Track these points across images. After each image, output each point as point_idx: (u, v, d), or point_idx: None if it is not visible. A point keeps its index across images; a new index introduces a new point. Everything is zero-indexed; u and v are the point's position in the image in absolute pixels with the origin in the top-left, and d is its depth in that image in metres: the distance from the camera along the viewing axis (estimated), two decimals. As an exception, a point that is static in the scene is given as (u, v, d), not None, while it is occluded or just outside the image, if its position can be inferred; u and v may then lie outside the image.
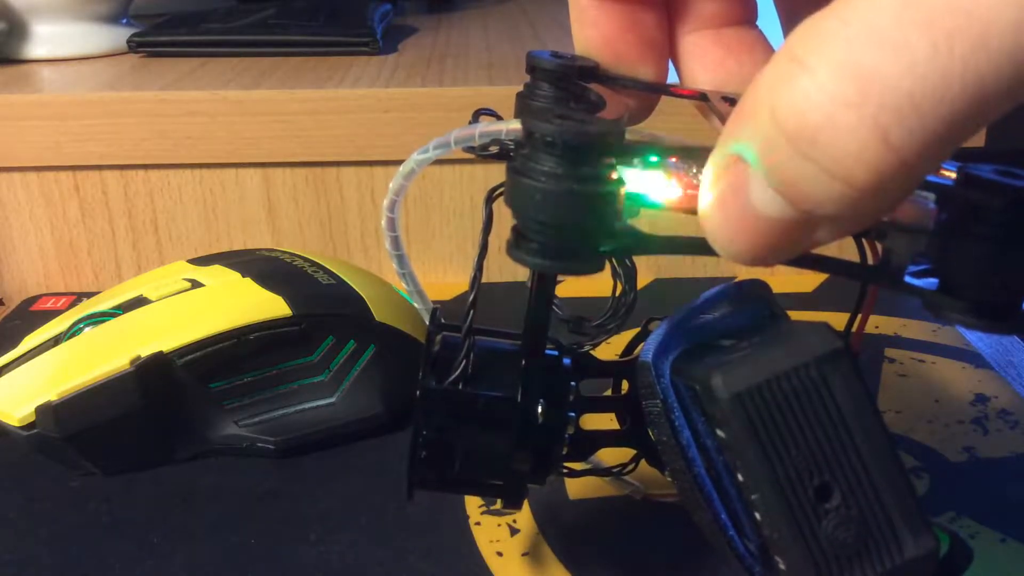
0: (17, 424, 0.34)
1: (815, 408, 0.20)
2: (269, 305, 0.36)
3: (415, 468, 0.25)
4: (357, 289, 0.38)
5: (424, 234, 0.52)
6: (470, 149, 0.23)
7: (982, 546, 0.31)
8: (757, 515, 0.21)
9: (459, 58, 0.57)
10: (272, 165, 0.50)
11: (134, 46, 0.57)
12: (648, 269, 0.52)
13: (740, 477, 0.21)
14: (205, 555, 0.31)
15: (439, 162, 0.51)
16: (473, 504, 0.33)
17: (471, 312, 0.25)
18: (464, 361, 0.25)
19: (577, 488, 0.34)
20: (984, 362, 0.42)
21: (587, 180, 0.19)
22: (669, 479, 0.24)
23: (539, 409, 0.25)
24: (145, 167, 0.50)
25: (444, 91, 0.48)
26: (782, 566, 0.21)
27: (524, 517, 0.32)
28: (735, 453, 0.21)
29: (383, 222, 0.26)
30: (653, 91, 0.24)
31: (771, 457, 0.20)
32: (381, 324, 0.37)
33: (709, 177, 0.18)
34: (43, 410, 0.33)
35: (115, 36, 0.59)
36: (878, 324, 0.46)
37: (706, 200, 0.18)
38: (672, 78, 0.24)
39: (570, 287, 0.32)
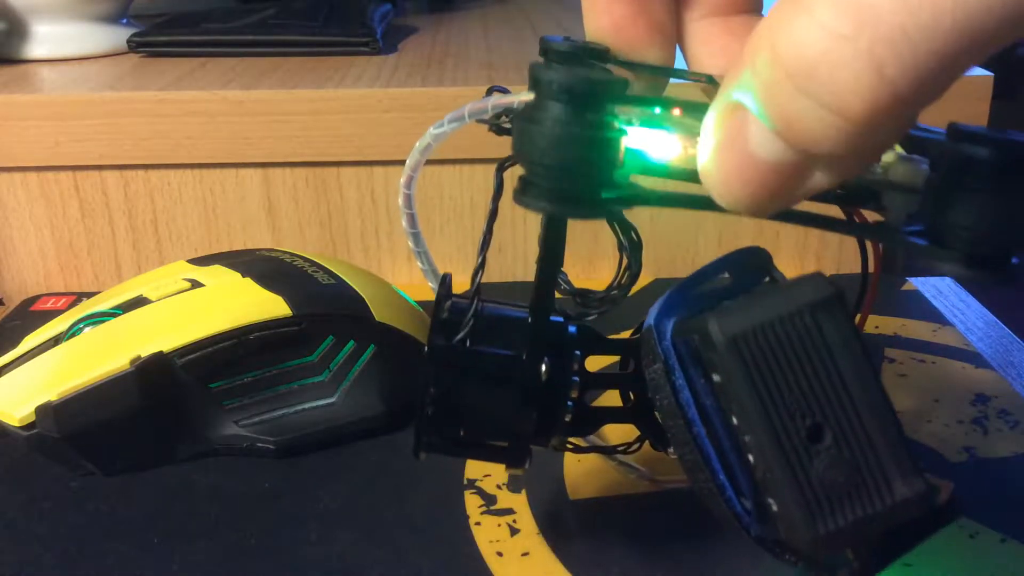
0: (17, 424, 0.34)
1: (809, 353, 0.21)
2: (269, 305, 0.36)
3: (422, 427, 0.25)
4: (357, 289, 0.38)
5: (424, 233, 0.51)
6: (483, 121, 0.24)
7: (982, 546, 0.31)
8: (750, 457, 0.21)
9: (459, 58, 0.57)
10: (272, 165, 0.50)
11: (134, 46, 0.57)
12: (648, 270, 0.52)
13: (735, 420, 0.21)
14: (205, 555, 0.31)
15: (439, 162, 0.51)
16: (473, 504, 0.33)
17: (479, 272, 0.25)
18: (472, 319, 0.25)
19: (577, 488, 0.34)
20: (984, 362, 0.42)
21: (591, 126, 0.19)
22: (673, 456, 0.24)
23: (543, 367, 0.25)
24: (145, 167, 0.50)
25: (444, 91, 0.48)
26: (774, 507, 0.21)
27: (524, 517, 0.32)
28: (730, 396, 0.21)
29: (400, 199, 0.27)
30: (662, 75, 0.24)
31: (764, 399, 0.20)
32: (381, 324, 0.37)
33: (709, 125, 0.18)
34: (43, 410, 0.33)
35: (115, 36, 0.59)
36: (878, 324, 0.46)
37: (706, 148, 0.18)
38: (679, 64, 0.25)
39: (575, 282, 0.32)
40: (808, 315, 0.21)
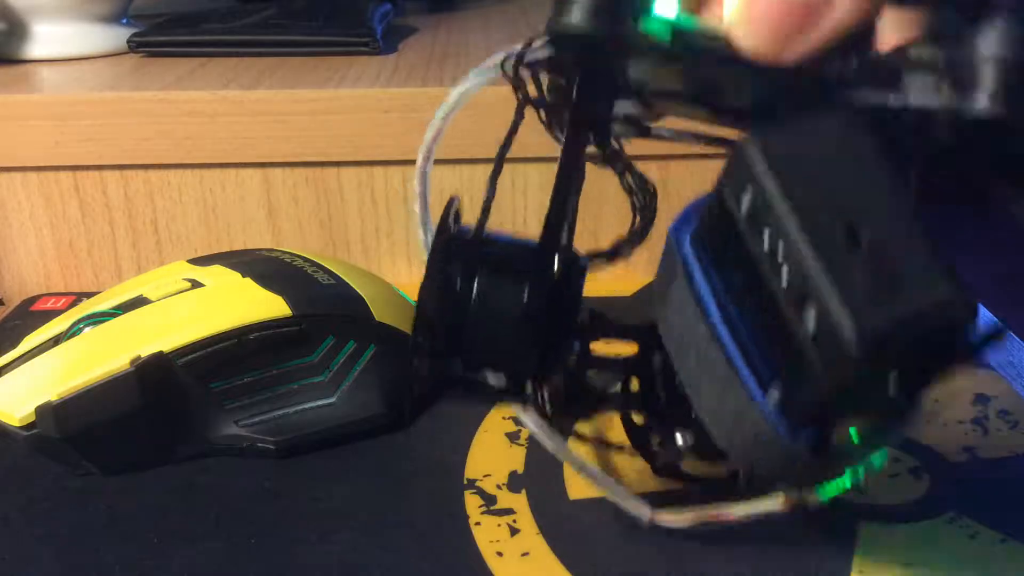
0: (17, 424, 0.34)
1: (842, 165, 0.21)
2: (269, 305, 0.36)
3: (419, 336, 0.25)
4: (357, 289, 0.38)
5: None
6: (507, 73, 0.25)
7: (982, 546, 0.31)
8: (784, 271, 0.21)
9: (459, 58, 0.57)
10: (272, 165, 0.50)
11: (134, 46, 0.57)
12: (648, 269, 0.52)
13: (766, 241, 0.21)
14: (205, 555, 0.31)
15: (439, 162, 0.51)
16: (473, 504, 0.33)
17: (496, 174, 0.25)
18: (483, 217, 0.25)
19: (577, 488, 0.34)
20: (984, 362, 0.42)
21: None
22: (682, 442, 0.24)
23: (555, 263, 0.25)
24: (145, 167, 0.50)
25: (444, 91, 0.48)
26: (811, 320, 0.20)
27: (524, 517, 0.32)
28: (762, 212, 0.21)
29: (416, 179, 0.27)
30: None
31: (798, 201, 0.20)
32: (381, 324, 0.37)
33: None
34: (43, 410, 0.33)
35: (115, 36, 0.59)
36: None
37: None
38: None
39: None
40: (840, 125, 0.21)
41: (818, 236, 0.20)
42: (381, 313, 0.38)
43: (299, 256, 0.40)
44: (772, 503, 0.27)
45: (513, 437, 0.37)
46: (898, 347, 0.20)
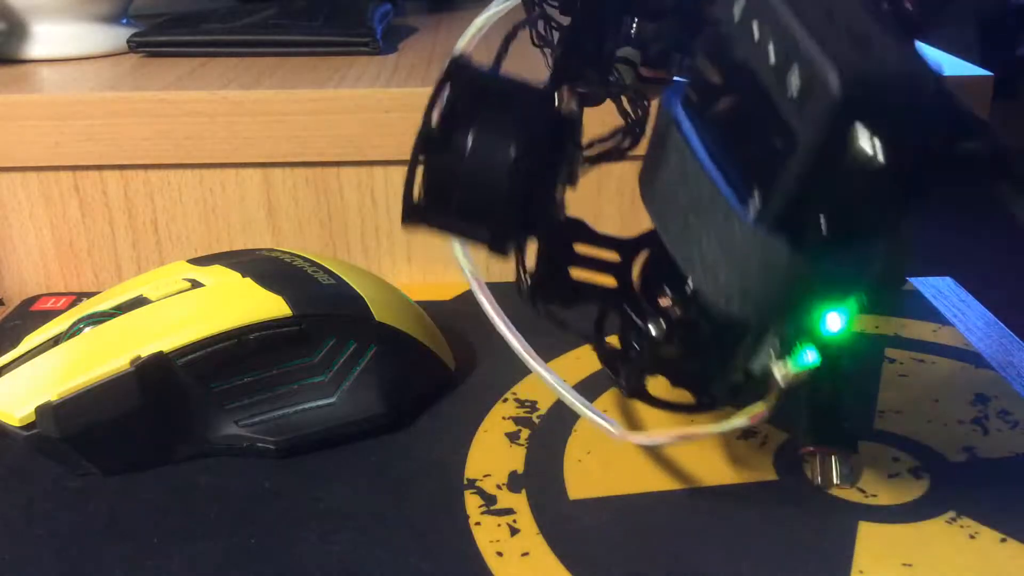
0: (17, 424, 0.34)
1: None
2: (269, 305, 0.36)
3: (418, 153, 0.26)
4: (357, 289, 0.38)
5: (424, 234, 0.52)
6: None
7: (982, 546, 0.31)
8: (772, 50, 0.22)
9: (459, 58, 0.57)
10: (272, 165, 0.50)
11: (134, 46, 0.57)
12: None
13: (756, 29, 0.22)
14: (205, 555, 0.31)
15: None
16: (473, 504, 0.33)
17: (510, 37, 0.27)
18: (500, 57, 0.27)
19: (577, 488, 0.34)
20: (984, 362, 0.42)
21: None
22: (653, 329, 0.26)
23: (557, 98, 0.26)
24: (145, 167, 0.50)
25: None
26: (795, 80, 0.21)
27: (524, 517, 0.32)
28: (755, 3, 0.22)
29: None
30: None
31: None
32: (381, 324, 0.37)
33: None
34: (43, 410, 0.33)
35: (115, 36, 0.59)
36: (878, 324, 0.46)
37: None
38: None
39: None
40: None
41: (803, 12, 0.22)
42: (381, 313, 0.38)
43: (299, 256, 0.40)
44: (742, 419, 0.28)
45: (513, 437, 0.37)
46: (874, 106, 0.21)
